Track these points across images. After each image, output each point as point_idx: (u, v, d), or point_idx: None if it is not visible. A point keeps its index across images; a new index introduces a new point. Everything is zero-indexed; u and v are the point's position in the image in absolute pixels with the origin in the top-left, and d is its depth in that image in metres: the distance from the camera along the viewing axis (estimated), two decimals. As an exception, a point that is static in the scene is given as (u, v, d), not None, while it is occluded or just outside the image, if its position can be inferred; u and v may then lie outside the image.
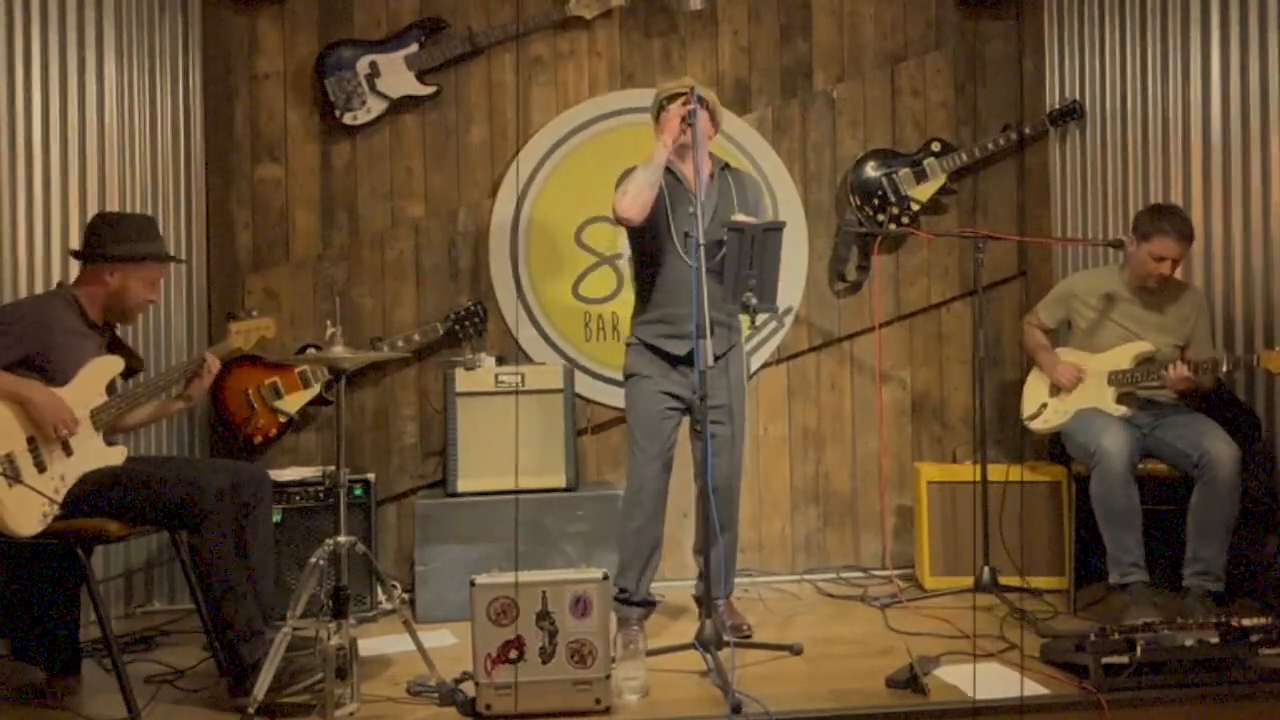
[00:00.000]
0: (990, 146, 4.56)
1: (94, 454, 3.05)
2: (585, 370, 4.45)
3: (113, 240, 3.13)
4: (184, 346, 4.24)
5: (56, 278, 3.61)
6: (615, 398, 4.37)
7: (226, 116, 4.43)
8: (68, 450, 2.97)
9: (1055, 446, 4.05)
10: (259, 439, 4.21)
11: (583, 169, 4.45)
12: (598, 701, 2.83)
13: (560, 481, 4.06)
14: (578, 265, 4.49)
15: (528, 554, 3.89)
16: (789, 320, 4.56)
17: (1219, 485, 3.40)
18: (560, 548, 3.95)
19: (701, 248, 3.11)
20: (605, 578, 2.87)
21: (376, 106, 4.40)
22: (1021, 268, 4.67)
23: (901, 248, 4.63)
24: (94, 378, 3.09)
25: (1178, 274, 3.81)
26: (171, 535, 3.33)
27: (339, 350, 2.98)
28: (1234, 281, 3.80)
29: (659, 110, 3.54)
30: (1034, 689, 2.89)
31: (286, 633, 2.81)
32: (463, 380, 4.08)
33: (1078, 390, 3.85)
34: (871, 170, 4.55)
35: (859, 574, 4.45)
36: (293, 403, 4.21)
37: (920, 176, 4.54)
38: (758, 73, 4.61)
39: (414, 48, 4.41)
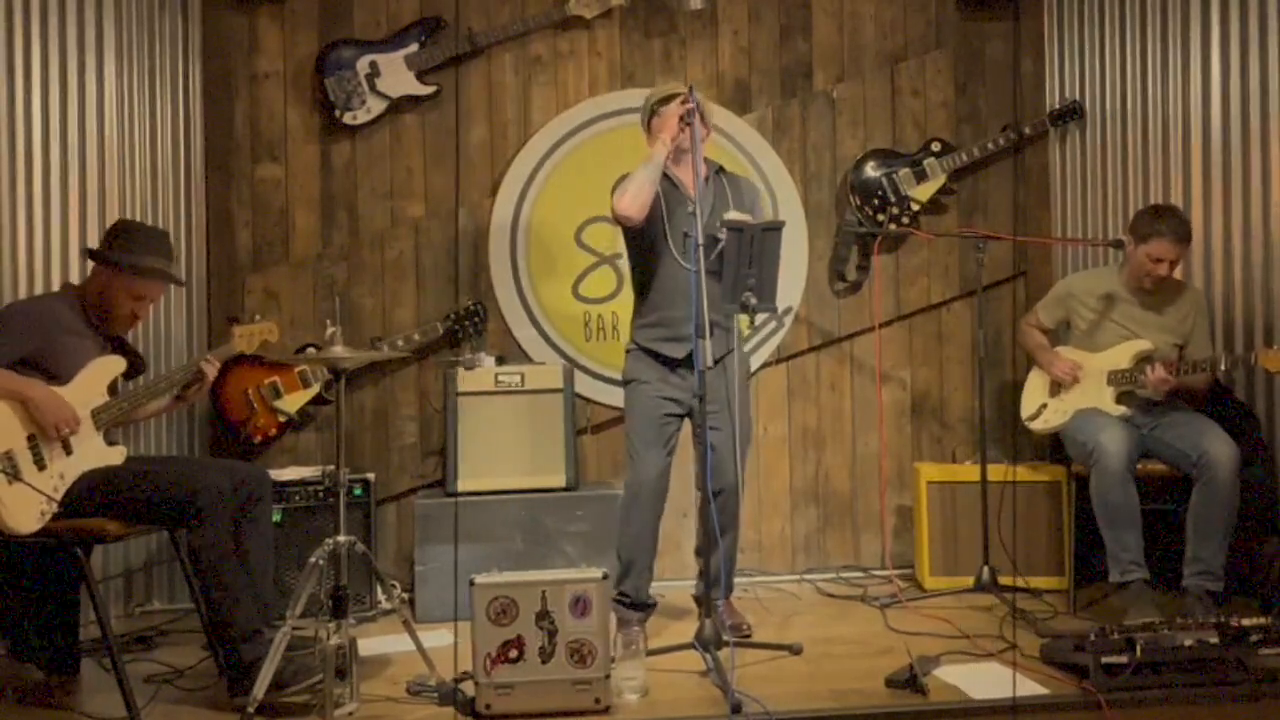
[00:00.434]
0: (990, 146, 4.56)
1: (94, 453, 3.05)
2: (585, 370, 4.45)
3: (113, 245, 3.15)
4: (184, 346, 4.24)
5: (57, 277, 3.62)
6: (615, 398, 4.37)
7: (226, 116, 4.43)
8: (68, 449, 2.97)
9: (1055, 446, 4.05)
10: (259, 438, 4.21)
11: (583, 169, 4.45)
12: (597, 701, 2.82)
13: (560, 481, 4.06)
14: (578, 265, 4.49)
15: (528, 554, 3.90)
16: (789, 320, 4.56)
17: (1218, 485, 3.40)
18: (560, 547, 3.95)
19: (700, 249, 3.11)
20: (605, 577, 2.87)
21: (376, 106, 4.40)
22: (1021, 268, 4.67)
23: (901, 248, 4.63)
24: (95, 377, 3.09)
25: (1177, 274, 3.81)
26: (171, 535, 3.33)
27: (339, 350, 2.97)
28: (1233, 281, 3.80)
29: (650, 116, 3.54)
30: (1034, 689, 2.89)
31: (286, 632, 2.81)
32: (463, 380, 4.09)
33: (1076, 390, 3.85)
34: (871, 170, 4.55)
35: (859, 574, 4.45)
36: (292, 402, 4.21)
37: (920, 176, 4.54)
38: (758, 73, 4.61)
39: (414, 47, 4.41)
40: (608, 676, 2.84)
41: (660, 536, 3.57)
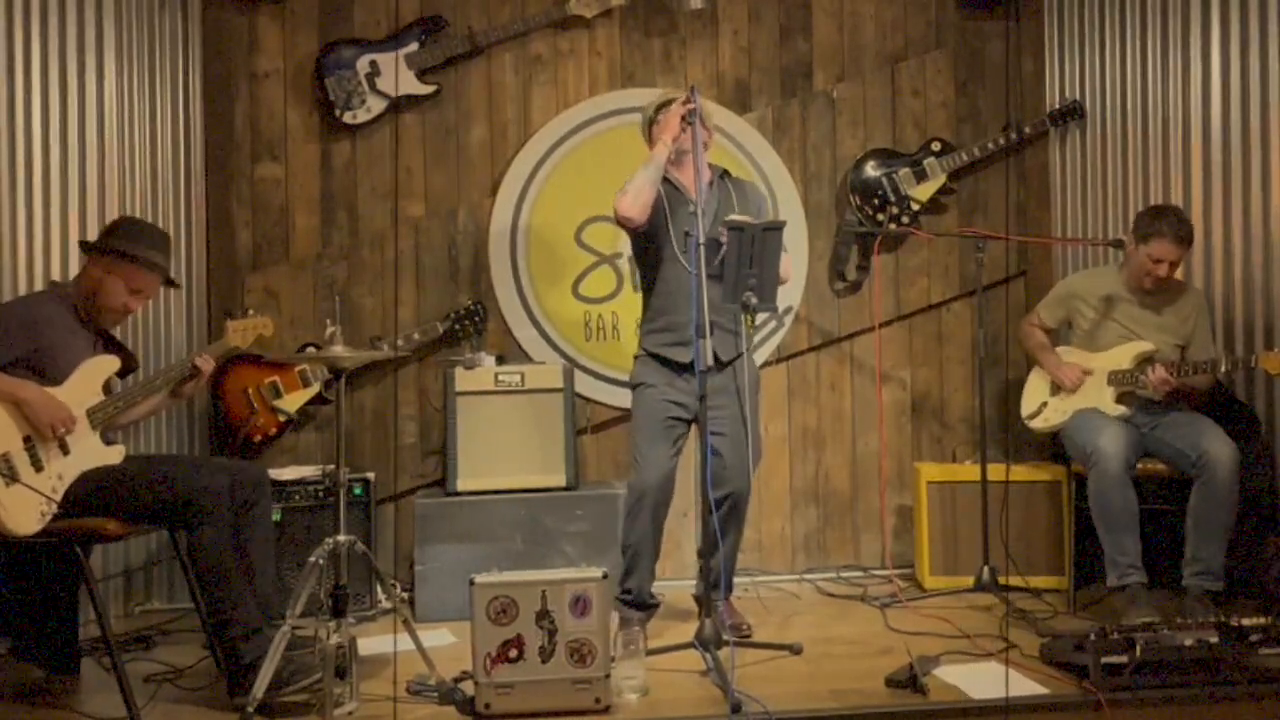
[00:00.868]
0: (990, 146, 4.56)
1: (92, 453, 3.05)
2: (585, 370, 4.45)
3: (112, 235, 3.15)
4: (183, 345, 4.24)
5: (57, 277, 3.61)
6: (615, 397, 4.38)
7: (226, 116, 4.43)
8: (65, 449, 2.97)
9: (1055, 446, 4.05)
10: (258, 438, 4.21)
11: (583, 168, 4.45)
12: (597, 701, 2.82)
13: (560, 481, 4.06)
14: (578, 265, 4.49)
15: (527, 553, 3.89)
16: (789, 320, 4.55)
17: (1218, 485, 3.40)
18: (560, 547, 3.95)
19: (702, 248, 3.11)
20: (605, 577, 2.87)
21: (376, 106, 4.40)
22: (1021, 268, 4.67)
23: (901, 247, 4.63)
24: (90, 377, 3.09)
25: (1178, 274, 3.81)
26: (170, 534, 3.33)
27: (338, 349, 2.97)
28: (1234, 282, 3.80)
29: (650, 124, 3.54)
30: (1034, 689, 2.89)
31: (286, 632, 2.81)
32: (462, 380, 4.08)
33: (1078, 390, 3.85)
34: (871, 170, 4.55)
35: (859, 574, 4.45)
36: (292, 402, 4.21)
37: (920, 176, 4.54)
38: (758, 72, 4.61)
39: (414, 47, 4.41)
40: (608, 676, 2.84)
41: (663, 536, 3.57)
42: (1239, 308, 3.78)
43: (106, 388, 3.14)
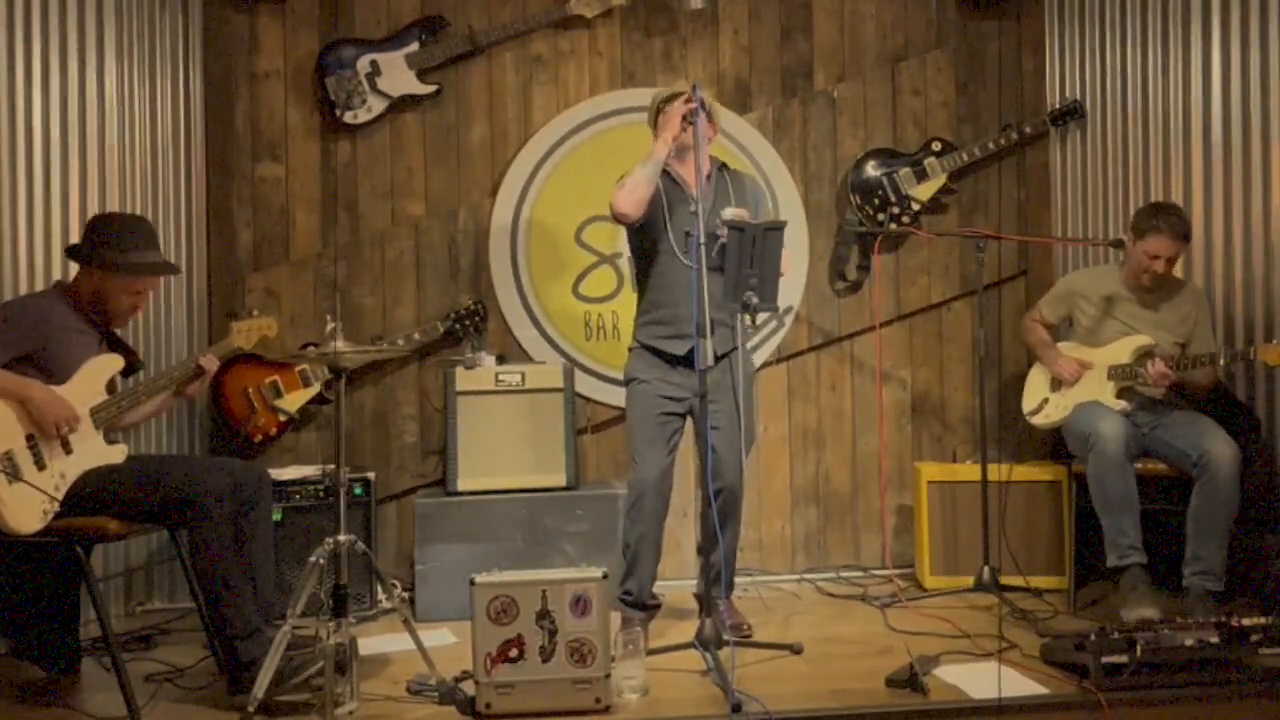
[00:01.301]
0: (991, 146, 4.56)
1: (94, 452, 3.05)
2: (585, 369, 4.45)
3: (101, 244, 3.12)
4: (184, 345, 4.24)
5: (57, 276, 3.61)
6: (615, 397, 4.38)
7: (227, 115, 4.43)
8: (67, 448, 2.97)
9: (1055, 446, 4.05)
10: (259, 438, 4.21)
11: (583, 168, 4.45)
12: (597, 701, 2.82)
13: (560, 481, 4.06)
14: (578, 264, 4.49)
15: (528, 553, 3.90)
16: (789, 320, 4.55)
17: (1219, 485, 3.40)
18: (560, 547, 3.95)
19: (702, 247, 3.11)
20: (605, 577, 2.87)
21: (377, 105, 4.40)
22: (1022, 267, 4.67)
23: (902, 247, 4.63)
24: (94, 376, 3.09)
25: (1178, 272, 3.81)
26: (171, 534, 3.33)
27: (339, 345, 2.97)
28: (1234, 280, 3.80)
29: (657, 113, 3.54)
30: (1034, 689, 2.89)
31: (286, 631, 2.81)
32: (463, 379, 4.09)
33: (1078, 385, 3.85)
34: (872, 170, 4.55)
35: (859, 573, 4.45)
36: (293, 401, 4.21)
37: (921, 176, 4.53)
38: (758, 72, 4.61)
39: (414, 46, 4.41)
40: (608, 676, 2.84)
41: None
42: (1239, 306, 3.79)
43: (110, 387, 3.14)
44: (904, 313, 4.63)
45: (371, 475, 4.08)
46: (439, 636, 3.56)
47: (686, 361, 3.44)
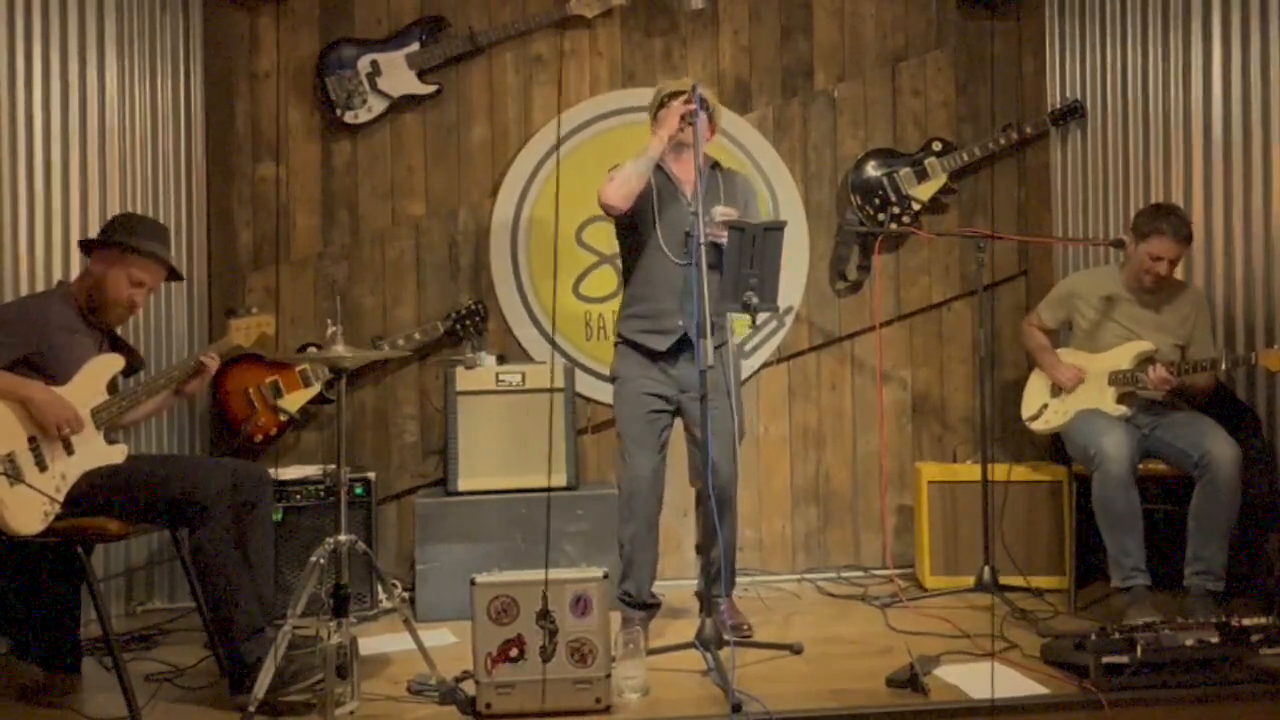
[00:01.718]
0: (991, 146, 4.56)
1: (95, 453, 3.05)
2: (586, 369, 4.45)
3: (113, 229, 3.14)
4: (184, 344, 4.24)
5: (57, 276, 3.61)
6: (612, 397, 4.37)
7: (227, 115, 4.43)
8: (69, 449, 2.97)
9: (1056, 446, 4.05)
10: (259, 438, 4.21)
11: (583, 168, 4.44)
12: (598, 700, 2.82)
13: (560, 480, 4.06)
14: (578, 264, 4.50)
15: (528, 553, 3.89)
16: (789, 320, 4.56)
17: (1220, 485, 3.40)
18: (560, 547, 3.95)
19: (702, 247, 3.11)
20: (605, 576, 2.87)
21: (377, 105, 4.40)
22: (1022, 267, 4.67)
23: (902, 247, 4.63)
24: (95, 376, 3.09)
25: (1178, 273, 3.81)
26: (172, 533, 3.33)
27: (340, 349, 2.98)
28: (1234, 281, 3.80)
29: (658, 107, 3.54)
30: (1034, 689, 2.89)
31: (287, 631, 2.81)
32: (463, 379, 4.09)
33: (1078, 390, 3.85)
34: (872, 170, 4.55)
35: (859, 573, 4.45)
36: (293, 401, 4.21)
37: (921, 176, 4.53)
38: (758, 72, 4.61)
39: (415, 46, 4.41)
40: (608, 676, 2.84)
41: (661, 535, 3.57)
42: (1239, 307, 3.78)
43: (111, 387, 3.14)
44: (904, 313, 4.63)
45: (372, 475, 4.08)
46: (439, 636, 3.56)
47: (669, 356, 3.44)
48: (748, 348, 4.50)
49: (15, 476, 2.81)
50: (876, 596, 4.01)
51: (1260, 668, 2.87)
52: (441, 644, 3.49)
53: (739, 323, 3.90)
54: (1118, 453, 3.50)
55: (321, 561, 2.90)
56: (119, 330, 3.31)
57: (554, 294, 4.44)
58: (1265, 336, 3.65)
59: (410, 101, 4.45)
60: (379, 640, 3.55)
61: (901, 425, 4.62)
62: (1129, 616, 3.37)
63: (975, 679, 2.96)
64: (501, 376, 4.10)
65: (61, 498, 2.91)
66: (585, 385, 4.42)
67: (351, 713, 2.87)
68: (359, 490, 4.00)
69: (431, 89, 4.43)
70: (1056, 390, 3.94)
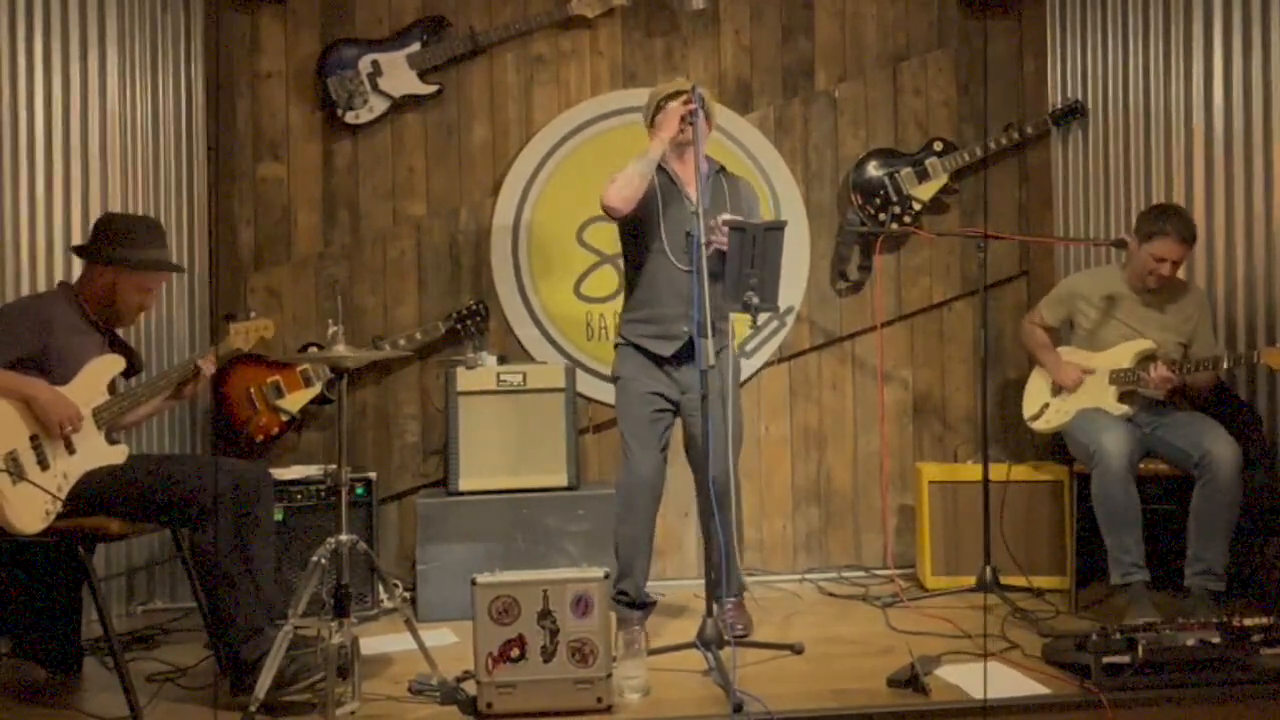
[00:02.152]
0: (992, 146, 4.56)
1: (96, 452, 3.05)
2: (587, 369, 4.45)
3: (112, 242, 3.13)
4: (185, 345, 4.25)
5: (58, 277, 3.61)
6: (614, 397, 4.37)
7: (228, 115, 4.43)
8: (70, 448, 2.97)
9: (1057, 446, 4.04)
10: (260, 437, 4.21)
11: (584, 168, 4.44)
12: (599, 700, 2.82)
13: (561, 480, 4.06)
14: (579, 265, 4.50)
15: (529, 553, 3.90)
16: (790, 320, 4.55)
17: (1220, 485, 3.40)
18: (561, 547, 3.95)
19: (703, 247, 3.11)
20: (606, 576, 2.87)
21: (378, 105, 4.40)
22: (1023, 267, 4.66)
23: (903, 247, 4.63)
24: (95, 376, 3.09)
25: (1179, 272, 3.80)
26: (173, 533, 3.33)
27: (341, 349, 2.98)
28: (1236, 281, 3.80)
29: (655, 112, 3.54)
30: (1035, 689, 2.89)
31: (288, 631, 2.82)
32: (464, 379, 4.09)
33: (1079, 389, 3.85)
34: (873, 169, 4.55)
35: (860, 573, 4.45)
36: (294, 401, 4.21)
37: (922, 176, 4.53)
38: (759, 72, 4.61)
39: (416, 46, 4.41)
40: (609, 676, 2.84)
41: (661, 535, 3.57)
42: (1241, 306, 3.78)
43: (111, 388, 3.14)
44: (905, 313, 4.63)
45: (373, 475, 4.08)
46: (440, 636, 3.56)
47: (672, 360, 3.45)
48: (749, 348, 4.50)
49: (18, 474, 2.82)
50: (877, 596, 4.01)
51: (1262, 668, 2.86)
52: (442, 644, 3.49)
53: (739, 323, 3.90)
54: (1117, 449, 3.50)
55: (323, 561, 2.90)
56: (120, 331, 3.32)
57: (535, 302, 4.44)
58: (1266, 336, 3.65)
59: (411, 101, 4.45)
60: (380, 640, 3.55)
61: (902, 425, 4.62)
62: (1128, 613, 3.37)
63: (976, 679, 2.95)
64: (502, 376, 4.10)
65: (63, 496, 2.92)
66: (586, 385, 4.42)
67: (352, 713, 2.87)
68: (360, 490, 4.00)
69: (432, 89, 4.43)
70: (1058, 389, 3.94)
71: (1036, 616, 3.61)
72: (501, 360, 4.24)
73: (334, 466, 3.16)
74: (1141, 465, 3.60)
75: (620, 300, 4.40)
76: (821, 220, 4.60)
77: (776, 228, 3.22)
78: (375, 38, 4.43)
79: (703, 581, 3.50)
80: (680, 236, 3.40)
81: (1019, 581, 3.94)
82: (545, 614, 2.83)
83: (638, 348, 3.53)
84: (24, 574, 3.20)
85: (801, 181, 4.60)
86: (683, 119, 3.37)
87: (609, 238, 4.43)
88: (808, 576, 4.45)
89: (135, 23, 4.07)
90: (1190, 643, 2.84)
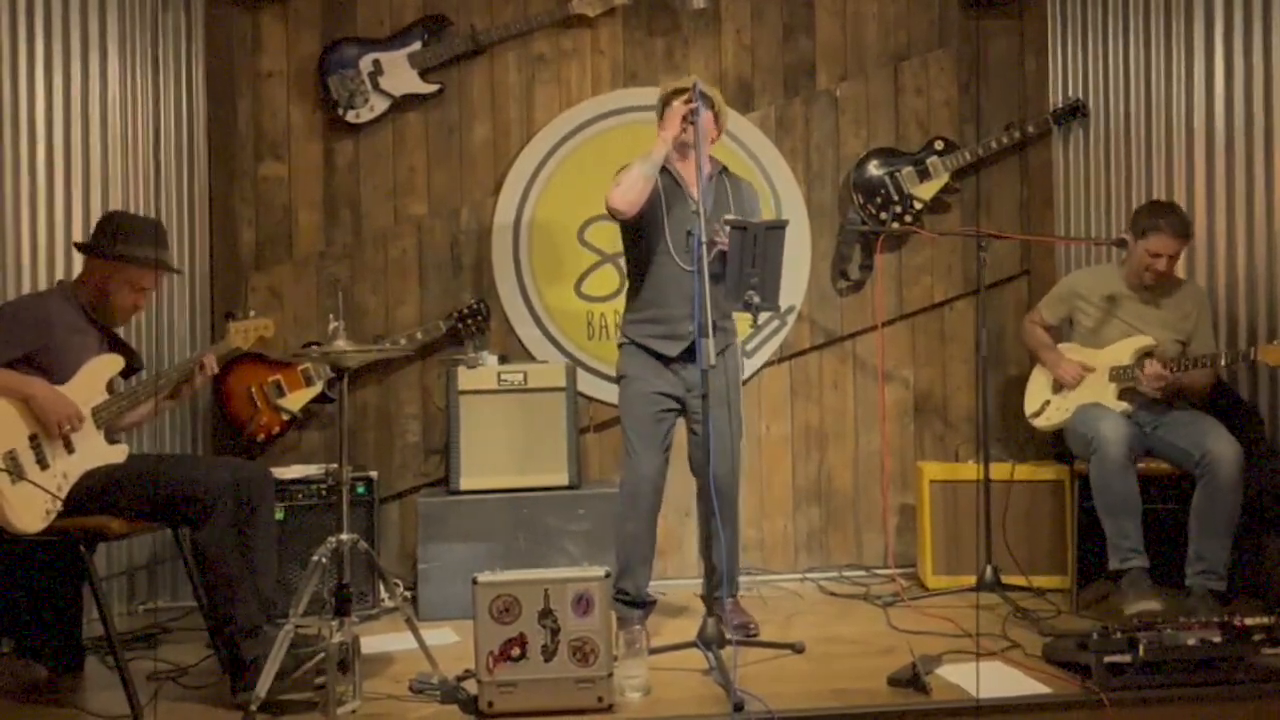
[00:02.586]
0: (993, 145, 4.56)
1: (96, 452, 3.05)
2: (588, 368, 4.45)
3: (111, 237, 3.14)
4: (186, 344, 4.25)
5: (59, 276, 3.62)
6: (617, 396, 4.37)
7: (229, 114, 4.43)
8: (70, 448, 2.98)
9: (1058, 445, 4.04)
10: (261, 437, 4.21)
11: (585, 167, 4.44)
12: (600, 700, 2.82)
13: (562, 480, 4.06)
14: (580, 264, 4.50)
15: (530, 552, 3.90)
16: (791, 319, 4.55)
17: (1221, 484, 3.40)
18: (562, 546, 3.95)
19: (704, 246, 3.11)
20: (607, 575, 2.87)
21: (379, 105, 4.40)
22: (1024, 266, 4.66)
23: (904, 246, 4.62)
24: (95, 375, 3.09)
25: (1180, 271, 3.80)
26: (174, 532, 3.33)
27: (341, 343, 2.98)
28: (1236, 279, 3.80)
29: (664, 106, 3.53)
30: (1036, 688, 2.89)
31: (289, 630, 2.82)
32: (465, 378, 4.09)
33: (1080, 386, 3.85)
34: (874, 169, 4.54)
35: (861, 573, 4.45)
36: (295, 400, 4.21)
37: (923, 175, 4.53)
38: (760, 71, 4.61)
39: (417, 46, 4.41)
40: (610, 675, 2.84)
41: (661, 535, 3.57)
42: (1241, 305, 3.78)
43: (110, 387, 3.15)
44: (906, 312, 4.63)
45: (374, 474, 4.09)
46: (441, 635, 3.56)
47: (678, 360, 3.45)
48: (749, 347, 4.50)
49: (17, 473, 2.82)
50: (878, 596, 4.01)
51: (1263, 667, 2.86)
52: (443, 643, 3.49)
53: (740, 322, 3.90)
54: (1115, 436, 3.51)
55: (324, 560, 2.90)
56: (120, 331, 3.32)
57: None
58: (1267, 335, 3.64)
59: (412, 101, 4.45)
60: (381, 639, 3.55)
61: (903, 424, 4.62)
62: (1126, 599, 3.38)
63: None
64: (503, 376, 4.10)
65: (63, 496, 2.92)
66: (587, 384, 4.41)
67: (353, 711, 2.88)
68: (361, 489, 4.00)
69: (433, 88, 4.43)
70: (1058, 387, 3.94)
71: (1037, 616, 3.60)
72: (502, 359, 4.24)
73: (335, 465, 3.15)
74: (1142, 465, 3.60)
75: (621, 299, 4.43)
76: (822, 219, 4.60)
77: (777, 227, 3.22)
78: (376, 37, 4.43)
79: (702, 581, 3.52)
80: (684, 238, 3.40)
81: (1020, 581, 3.93)
82: (546, 613, 2.83)
83: (643, 347, 3.53)
84: (26, 573, 3.20)
85: (802, 181, 4.59)
86: (684, 118, 3.37)
87: (610, 237, 4.44)
88: (808, 576, 4.44)
89: (136, 22, 4.08)
90: (1191, 642, 2.83)
